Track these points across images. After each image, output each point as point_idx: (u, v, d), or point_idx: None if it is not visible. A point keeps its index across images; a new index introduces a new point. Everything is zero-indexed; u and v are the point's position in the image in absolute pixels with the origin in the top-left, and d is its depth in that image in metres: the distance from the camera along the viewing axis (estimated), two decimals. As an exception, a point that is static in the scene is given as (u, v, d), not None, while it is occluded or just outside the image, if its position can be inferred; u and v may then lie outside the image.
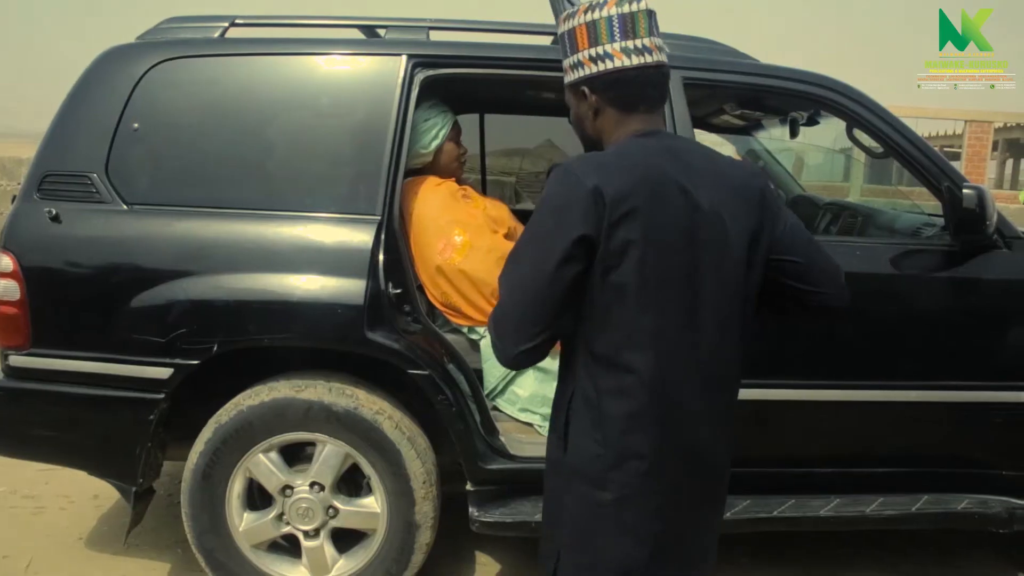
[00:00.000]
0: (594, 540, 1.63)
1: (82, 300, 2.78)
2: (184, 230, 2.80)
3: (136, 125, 2.81)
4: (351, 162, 2.89)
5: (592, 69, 1.64)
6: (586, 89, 1.67)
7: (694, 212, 1.57)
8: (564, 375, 1.69)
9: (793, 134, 3.89)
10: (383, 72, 2.88)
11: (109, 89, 2.84)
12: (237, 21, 3.03)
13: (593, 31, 1.63)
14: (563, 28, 1.69)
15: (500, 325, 1.61)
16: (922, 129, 17.98)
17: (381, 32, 3.13)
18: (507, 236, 3.28)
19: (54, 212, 2.73)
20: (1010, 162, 29.18)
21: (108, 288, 2.76)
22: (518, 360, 1.61)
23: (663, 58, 1.66)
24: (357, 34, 3.18)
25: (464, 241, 3.09)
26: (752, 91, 3.15)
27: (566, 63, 1.70)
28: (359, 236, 2.76)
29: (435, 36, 3.06)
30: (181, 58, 2.89)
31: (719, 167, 1.66)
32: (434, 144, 3.21)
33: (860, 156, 3.99)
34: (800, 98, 3.20)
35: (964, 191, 2.77)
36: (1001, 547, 3.47)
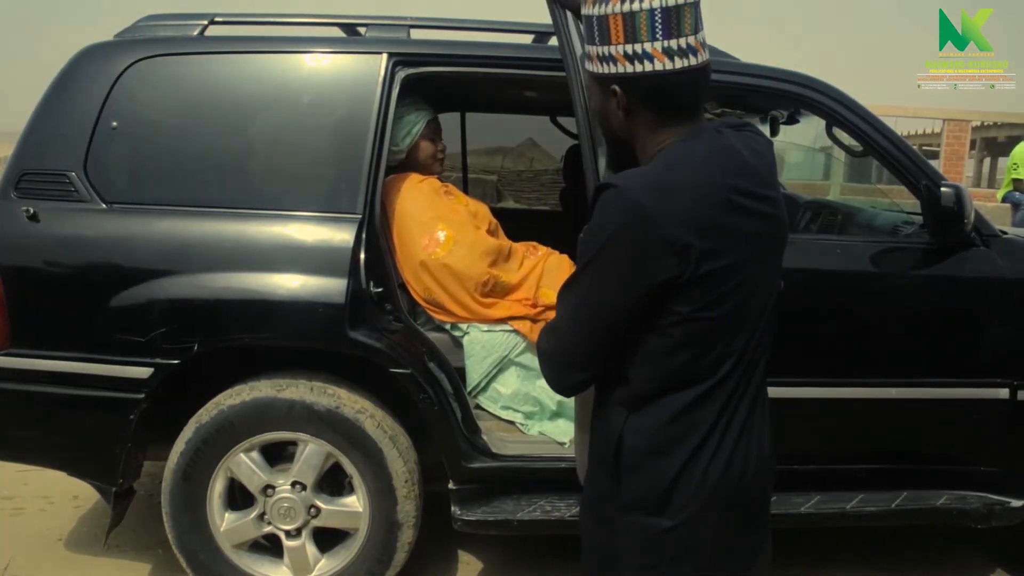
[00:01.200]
0: (657, 569, 1.52)
1: (61, 300, 2.76)
2: (164, 229, 2.79)
3: (115, 123, 2.79)
4: (332, 161, 2.89)
5: (627, 68, 1.44)
6: (617, 88, 1.47)
7: (754, 223, 1.45)
8: (607, 404, 1.56)
9: (773, 132, 3.91)
10: (363, 70, 2.87)
11: (87, 87, 2.82)
12: (216, 19, 3.01)
13: (631, 25, 1.41)
14: (592, 11, 1.45)
15: (552, 351, 1.54)
16: (901, 128, 18.09)
17: (362, 30, 3.12)
18: (489, 232, 3.29)
19: (32, 211, 2.71)
20: (987, 160, 29.40)
21: (88, 288, 2.74)
22: (573, 389, 1.56)
23: (707, 56, 1.46)
24: (338, 32, 3.17)
25: (448, 236, 3.09)
26: (732, 90, 3.16)
27: (592, 50, 1.49)
28: (340, 235, 2.76)
29: (416, 34, 3.06)
30: (160, 56, 2.87)
31: (758, 158, 1.51)
32: (406, 141, 3.20)
33: (840, 155, 4.02)
34: (780, 97, 3.21)
35: (942, 189, 2.79)
36: (981, 542, 3.51)
